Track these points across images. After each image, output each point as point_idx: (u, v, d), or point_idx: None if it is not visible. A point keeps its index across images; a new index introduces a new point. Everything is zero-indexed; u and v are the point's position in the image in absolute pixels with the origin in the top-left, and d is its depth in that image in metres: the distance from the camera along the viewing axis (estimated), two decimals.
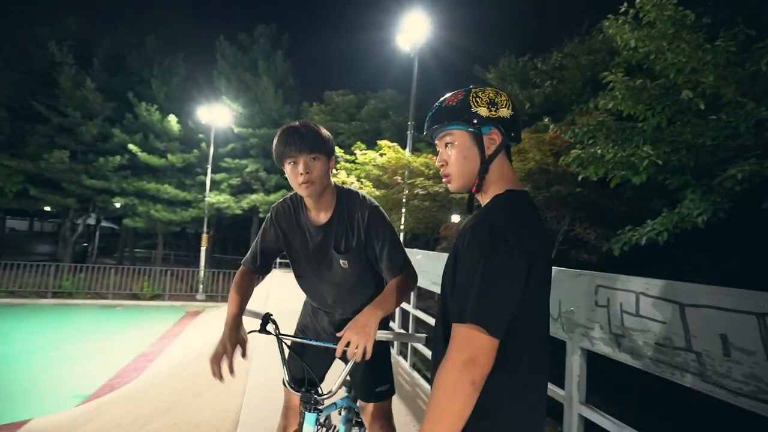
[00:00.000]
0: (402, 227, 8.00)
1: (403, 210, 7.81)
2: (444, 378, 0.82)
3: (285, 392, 1.58)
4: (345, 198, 1.44)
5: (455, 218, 7.39)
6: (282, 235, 1.48)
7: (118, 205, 17.33)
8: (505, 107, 0.99)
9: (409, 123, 8.57)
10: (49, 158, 15.16)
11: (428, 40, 7.95)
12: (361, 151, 8.02)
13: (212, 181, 16.52)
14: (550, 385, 1.92)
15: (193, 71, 19.49)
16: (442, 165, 1.03)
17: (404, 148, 8.43)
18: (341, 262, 1.44)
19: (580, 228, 5.06)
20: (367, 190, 7.42)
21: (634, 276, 1.62)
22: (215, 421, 3.01)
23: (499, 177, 1.00)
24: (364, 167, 7.66)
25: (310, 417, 1.32)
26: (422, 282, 3.40)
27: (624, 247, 3.67)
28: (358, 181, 7.72)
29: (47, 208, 20.28)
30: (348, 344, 1.18)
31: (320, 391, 1.35)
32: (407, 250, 2.32)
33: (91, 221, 21.32)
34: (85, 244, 21.77)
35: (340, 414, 1.65)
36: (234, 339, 1.35)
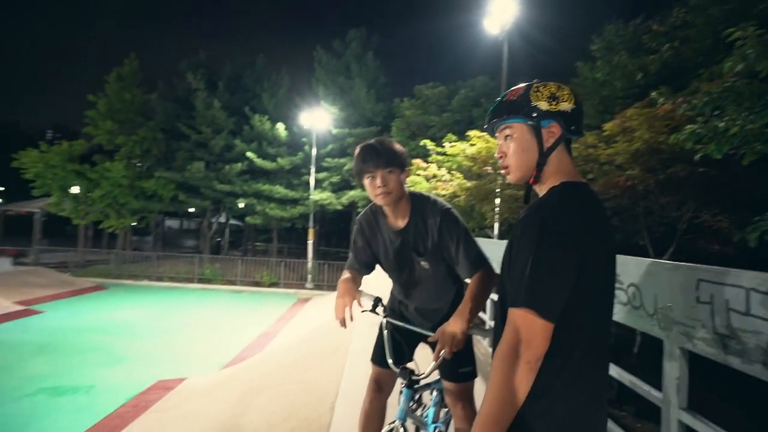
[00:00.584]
0: (497, 217, 7.76)
1: (497, 200, 7.57)
2: (500, 358, 0.88)
3: (373, 368, 1.76)
4: (419, 204, 1.57)
5: None
6: (367, 244, 1.67)
7: (241, 205, 20.01)
8: (566, 101, 1.00)
9: None
10: (190, 169, 18.32)
11: (517, 20, 7.47)
12: (450, 143, 7.97)
13: (315, 180, 18.02)
14: (645, 386, 1.80)
15: (295, 81, 21.51)
16: (501, 157, 1.07)
17: None
18: (422, 263, 1.58)
19: (708, 215, 4.29)
20: (458, 182, 7.36)
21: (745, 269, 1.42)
22: (321, 390, 3.43)
23: (557, 169, 1.02)
24: (455, 159, 7.59)
25: (407, 392, 1.50)
26: None
27: (764, 236, 3.05)
28: (449, 173, 7.69)
29: (192, 210, 24.42)
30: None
31: (416, 371, 1.51)
32: (501, 241, 2.33)
33: (222, 219, 25.08)
34: (219, 239, 25.73)
35: (431, 394, 1.82)
36: (351, 294, 1.52)
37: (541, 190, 1.04)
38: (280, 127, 18.84)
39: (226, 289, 14.59)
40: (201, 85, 18.73)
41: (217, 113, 18.57)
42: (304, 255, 17.45)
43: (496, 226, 7.80)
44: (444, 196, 7.09)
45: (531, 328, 0.86)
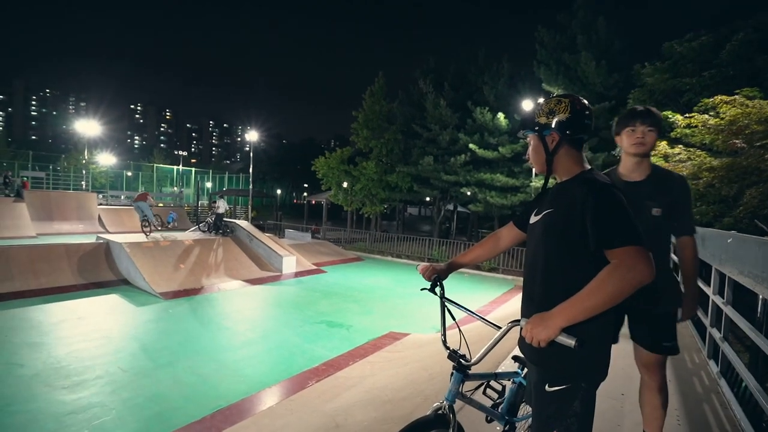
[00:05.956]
0: None
1: None
2: (620, 274, 1.07)
3: None
4: (659, 169, 1.83)
5: None
6: None
7: (469, 193, 21.56)
8: (562, 113, 1.30)
9: None
10: (422, 163, 21.18)
11: None
12: (706, 109, 6.31)
13: None
14: None
15: (517, 67, 21.11)
16: (528, 156, 1.44)
17: None
18: (653, 212, 1.76)
19: None
20: (699, 161, 5.86)
21: None
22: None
23: (573, 162, 1.32)
24: (698, 132, 6.03)
25: (456, 375, 1.45)
26: (731, 272, 2.83)
27: None
28: (686, 149, 6.17)
29: (428, 199, 28.05)
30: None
31: (468, 357, 1.46)
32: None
33: (450, 207, 27.59)
34: (447, 225, 28.47)
35: (512, 383, 1.81)
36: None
37: (561, 177, 1.35)
38: (501, 116, 19.08)
39: None
40: (430, 89, 21.23)
41: (443, 111, 20.62)
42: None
43: None
44: None
45: (646, 259, 1.08)
